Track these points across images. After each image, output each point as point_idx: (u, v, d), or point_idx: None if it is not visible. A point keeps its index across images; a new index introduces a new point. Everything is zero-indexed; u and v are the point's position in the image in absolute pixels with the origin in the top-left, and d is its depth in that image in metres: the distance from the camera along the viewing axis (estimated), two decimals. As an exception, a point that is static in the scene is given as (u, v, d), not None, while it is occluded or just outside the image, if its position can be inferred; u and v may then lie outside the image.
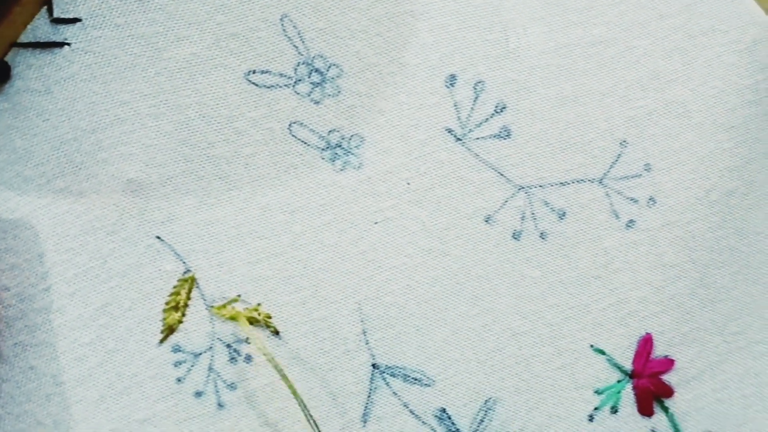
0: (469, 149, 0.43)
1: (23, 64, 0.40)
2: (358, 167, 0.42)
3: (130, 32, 0.41)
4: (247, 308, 0.41)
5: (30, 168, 0.40)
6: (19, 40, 0.40)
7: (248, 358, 0.41)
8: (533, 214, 0.43)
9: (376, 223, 0.42)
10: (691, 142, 0.44)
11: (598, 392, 0.43)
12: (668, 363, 0.44)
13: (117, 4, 0.40)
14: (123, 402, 0.40)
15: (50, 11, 0.40)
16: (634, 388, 0.43)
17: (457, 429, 0.42)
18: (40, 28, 0.40)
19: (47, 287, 0.40)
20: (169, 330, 0.41)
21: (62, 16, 0.40)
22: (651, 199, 0.44)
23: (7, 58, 0.40)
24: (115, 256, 0.40)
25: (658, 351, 0.44)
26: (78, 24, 0.40)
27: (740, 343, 0.44)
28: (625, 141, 0.44)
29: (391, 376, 0.42)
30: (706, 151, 0.44)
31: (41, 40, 0.40)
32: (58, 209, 0.40)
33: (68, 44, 0.40)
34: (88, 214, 0.40)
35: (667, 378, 0.44)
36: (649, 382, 0.43)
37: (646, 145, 0.44)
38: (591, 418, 0.43)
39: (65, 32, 0.40)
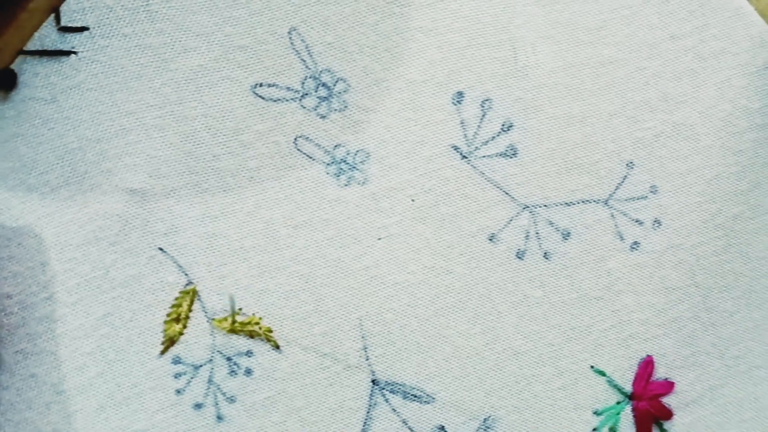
0: (474, 167, 0.43)
1: (30, 72, 0.40)
2: (363, 183, 0.42)
3: (137, 42, 0.40)
4: (249, 321, 0.41)
5: (34, 176, 0.40)
6: (26, 48, 0.40)
7: (248, 372, 0.41)
8: (537, 233, 0.43)
9: (379, 239, 0.42)
10: (699, 165, 0.44)
11: (597, 413, 0.43)
12: (668, 386, 0.44)
13: (125, 14, 0.40)
14: (122, 412, 0.40)
15: (58, 19, 0.40)
16: (634, 410, 0.43)
17: (456, 447, 0.42)
18: (47, 36, 0.40)
19: (49, 296, 0.40)
20: (170, 341, 0.41)
21: (70, 25, 0.40)
22: (656, 221, 0.44)
23: (14, 66, 0.40)
24: (117, 267, 0.40)
25: (659, 373, 0.44)
26: (85, 33, 0.40)
27: (741, 368, 0.44)
28: (631, 162, 0.43)
29: (390, 392, 0.42)
30: (713, 175, 0.44)
31: (48, 48, 0.40)
32: (62, 218, 0.40)
33: (75, 53, 0.40)
34: (91, 223, 0.40)
35: (666, 401, 0.44)
36: (649, 405, 0.43)
37: (653, 167, 0.44)
38: (589, 440, 0.43)
39: (72, 41, 0.40)
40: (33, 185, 0.40)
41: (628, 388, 0.43)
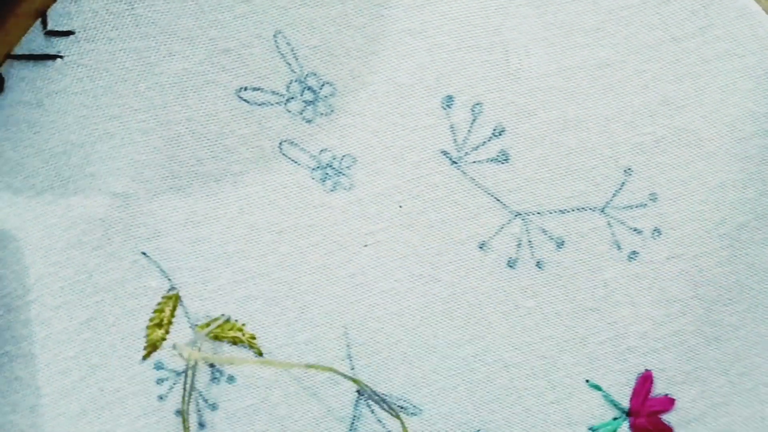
0: (464, 173, 0.41)
1: (16, 76, 0.40)
2: (349, 188, 0.41)
3: (122, 46, 0.40)
4: (232, 327, 0.41)
5: (20, 180, 0.40)
6: (12, 52, 0.40)
7: (231, 379, 0.41)
8: (530, 241, 0.42)
9: (365, 245, 0.41)
10: (701, 171, 0.42)
11: (592, 429, 0.42)
12: (668, 402, 0.42)
13: (110, 18, 0.40)
14: (104, 417, 0.40)
15: (44, 24, 0.40)
16: (631, 426, 0.42)
17: (442, 461, 0.41)
18: (34, 40, 0.40)
19: (33, 299, 0.40)
20: (152, 347, 0.40)
21: (56, 29, 0.40)
22: (656, 230, 0.42)
23: (1, 70, 0.40)
24: (100, 271, 0.40)
25: (658, 389, 0.42)
26: (71, 37, 0.40)
27: (746, 385, 0.42)
28: (630, 169, 0.42)
29: (376, 403, 0.41)
30: (716, 182, 0.42)
31: (35, 53, 0.40)
32: (46, 222, 0.40)
33: (61, 57, 0.40)
34: (75, 227, 0.40)
35: (666, 418, 0.42)
36: (647, 422, 0.42)
37: (653, 173, 0.42)
38: (583, 457, 0.41)
39: (59, 45, 0.40)
40: (18, 189, 0.40)
41: (626, 403, 0.42)
